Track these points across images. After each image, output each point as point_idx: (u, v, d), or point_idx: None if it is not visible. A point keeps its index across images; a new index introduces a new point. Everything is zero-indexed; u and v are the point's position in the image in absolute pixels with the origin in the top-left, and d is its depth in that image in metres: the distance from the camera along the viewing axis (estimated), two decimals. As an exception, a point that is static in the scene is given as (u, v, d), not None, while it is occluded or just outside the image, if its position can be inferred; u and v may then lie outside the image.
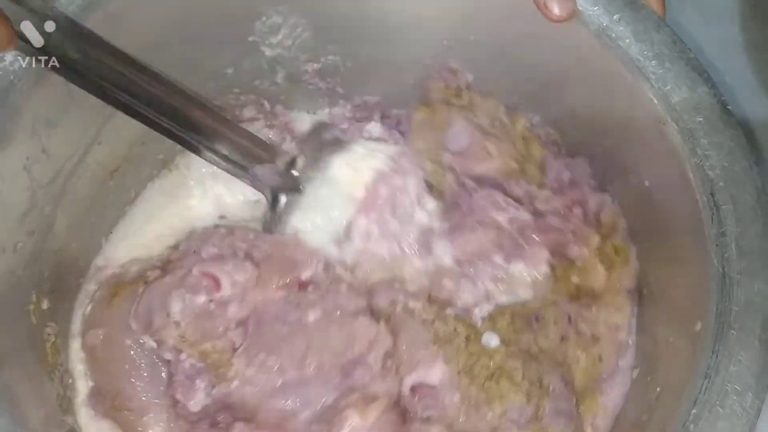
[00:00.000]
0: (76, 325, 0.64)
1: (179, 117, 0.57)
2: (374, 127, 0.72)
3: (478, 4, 0.60)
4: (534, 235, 0.62)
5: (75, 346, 0.63)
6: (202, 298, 0.59)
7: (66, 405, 0.61)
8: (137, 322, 0.60)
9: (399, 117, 0.73)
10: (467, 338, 0.58)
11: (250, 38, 0.64)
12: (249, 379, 0.57)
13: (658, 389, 0.53)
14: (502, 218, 0.62)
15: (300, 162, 0.63)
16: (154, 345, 0.60)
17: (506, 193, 0.64)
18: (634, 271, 0.61)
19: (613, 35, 0.55)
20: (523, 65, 0.62)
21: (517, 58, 0.62)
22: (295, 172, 0.62)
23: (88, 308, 0.64)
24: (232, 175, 0.61)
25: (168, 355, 0.60)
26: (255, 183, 0.62)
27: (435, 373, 0.57)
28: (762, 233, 0.49)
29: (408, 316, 0.59)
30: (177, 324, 0.59)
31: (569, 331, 0.60)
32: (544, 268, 0.61)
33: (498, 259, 0.61)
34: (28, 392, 0.54)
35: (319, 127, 0.68)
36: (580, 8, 0.54)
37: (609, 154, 0.61)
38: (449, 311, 0.60)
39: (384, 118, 0.73)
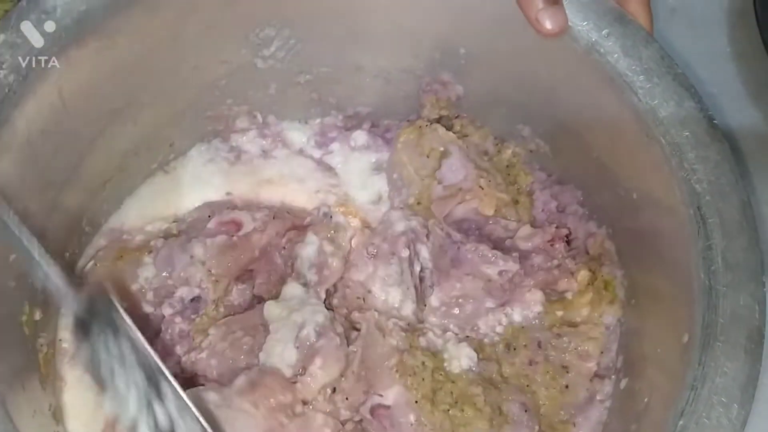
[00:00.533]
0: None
1: None
2: (360, 136, 0.73)
3: (468, 17, 0.60)
4: (524, 282, 0.63)
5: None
6: (223, 238, 0.65)
7: (59, 415, 0.61)
8: (158, 266, 0.63)
9: (388, 125, 0.73)
10: (433, 370, 0.59)
11: (243, 50, 0.65)
12: (218, 352, 0.59)
13: (646, 400, 0.54)
14: (491, 271, 0.63)
15: None
16: (151, 309, 0.63)
17: (489, 239, 0.65)
18: (618, 310, 0.62)
19: (602, 50, 0.55)
20: (513, 78, 0.63)
21: (507, 71, 0.63)
22: None
23: (89, 264, 0.65)
24: None
25: (168, 310, 0.62)
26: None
27: (390, 394, 0.58)
28: (747, 246, 0.50)
29: (380, 335, 0.60)
30: (202, 263, 0.63)
31: (538, 355, 0.61)
32: (539, 308, 0.62)
33: (490, 303, 0.63)
34: (21, 402, 0.55)
35: None
36: (570, 23, 0.55)
37: (598, 166, 0.61)
38: (422, 341, 0.61)
39: (373, 127, 0.74)
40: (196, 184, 0.72)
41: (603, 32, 0.55)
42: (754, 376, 0.47)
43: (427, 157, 0.68)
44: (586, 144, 0.62)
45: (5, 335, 0.56)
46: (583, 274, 0.63)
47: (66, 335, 0.64)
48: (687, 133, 0.53)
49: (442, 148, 0.67)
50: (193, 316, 0.63)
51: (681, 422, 0.47)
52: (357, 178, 0.73)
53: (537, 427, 0.59)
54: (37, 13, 0.53)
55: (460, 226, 0.66)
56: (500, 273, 0.63)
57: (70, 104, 0.57)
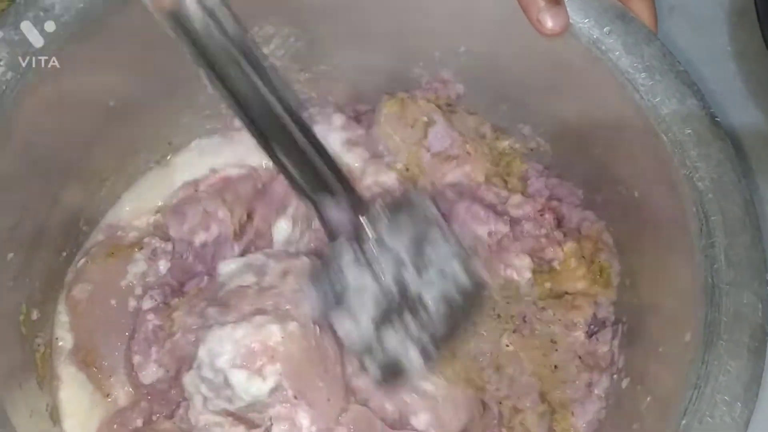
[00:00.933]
0: (70, 276, 0.65)
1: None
2: (338, 119, 0.71)
3: (469, 16, 0.60)
4: (512, 246, 0.63)
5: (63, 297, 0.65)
6: (220, 183, 0.67)
7: (56, 415, 0.60)
8: (173, 224, 0.64)
9: (360, 109, 0.73)
10: None
11: (243, 48, 0.64)
12: (189, 328, 0.58)
13: (648, 399, 0.53)
14: (481, 230, 0.63)
15: (374, 211, 0.54)
16: (133, 305, 0.62)
17: (482, 202, 0.65)
18: (612, 296, 0.62)
19: (604, 48, 0.55)
20: (514, 77, 0.63)
21: (508, 69, 0.63)
22: (363, 219, 0.53)
23: (81, 262, 0.65)
24: (300, 197, 0.54)
25: (147, 303, 0.61)
26: (321, 215, 0.54)
27: None
28: (750, 244, 0.50)
29: None
30: (213, 198, 0.65)
31: (524, 329, 0.61)
32: (528, 275, 0.63)
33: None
34: (19, 402, 0.54)
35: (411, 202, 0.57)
36: (571, 21, 0.55)
37: (599, 165, 0.61)
38: None
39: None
40: (186, 170, 0.71)
41: (604, 30, 0.55)
42: (758, 374, 0.47)
43: (412, 127, 0.67)
44: (588, 142, 0.62)
45: (2, 335, 0.56)
46: (570, 246, 0.63)
47: (63, 334, 0.63)
48: (689, 131, 0.53)
49: (425, 118, 0.67)
50: (172, 302, 0.62)
51: (684, 421, 0.47)
52: (335, 146, 0.70)
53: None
54: (35, 11, 0.53)
55: (453, 189, 0.66)
56: (490, 233, 0.63)
57: (69, 102, 0.56)
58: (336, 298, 0.53)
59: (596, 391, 0.60)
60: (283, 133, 0.51)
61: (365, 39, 0.65)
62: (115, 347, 0.61)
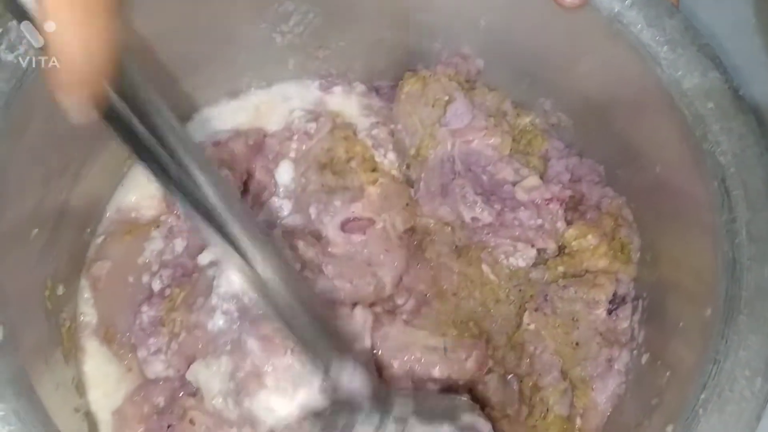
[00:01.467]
0: (92, 253, 0.66)
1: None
2: (359, 86, 0.73)
3: (488, -10, 0.60)
4: (498, 232, 0.63)
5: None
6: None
7: (81, 388, 0.61)
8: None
9: (380, 86, 0.73)
10: None
11: (262, 25, 0.64)
12: (192, 325, 0.58)
13: (668, 374, 0.53)
14: (465, 214, 0.63)
15: (403, 401, 0.52)
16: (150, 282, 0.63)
17: (493, 178, 0.65)
18: (632, 272, 0.62)
19: (625, 21, 0.54)
20: (534, 51, 0.62)
21: (528, 43, 0.62)
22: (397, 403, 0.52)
23: (101, 239, 0.66)
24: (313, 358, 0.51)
25: (157, 284, 0.62)
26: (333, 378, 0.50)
27: None
28: (772, 219, 0.50)
29: None
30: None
31: (546, 307, 0.61)
32: (523, 263, 0.63)
33: None
34: (44, 375, 0.55)
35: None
36: (592, -7, 0.54)
37: (620, 139, 0.61)
38: None
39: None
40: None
41: (626, 2, 0.55)
42: (778, 349, 0.47)
43: (432, 107, 0.67)
44: (609, 116, 0.61)
45: (29, 310, 0.57)
46: (571, 233, 0.63)
47: (87, 309, 0.64)
48: (711, 105, 0.52)
49: (446, 98, 0.66)
50: (170, 292, 0.62)
51: (703, 396, 0.47)
52: (353, 110, 0.72)
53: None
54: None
55: (467, 158, 0.66)
56: (472, 219, 0.63)
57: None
58: None
59: (616, 367, 0.60)
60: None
61: (384, 14, 0.65)
62: (133, 324, 0.62)
